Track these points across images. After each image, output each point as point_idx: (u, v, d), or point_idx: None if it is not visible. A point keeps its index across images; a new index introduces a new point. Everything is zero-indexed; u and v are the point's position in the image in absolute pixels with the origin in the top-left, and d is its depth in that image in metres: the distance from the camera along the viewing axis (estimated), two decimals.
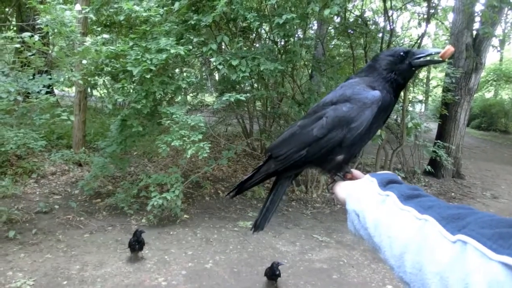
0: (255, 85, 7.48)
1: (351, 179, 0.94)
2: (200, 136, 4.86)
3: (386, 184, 0.72)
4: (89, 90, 7.34)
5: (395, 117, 8.48)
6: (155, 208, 5.02)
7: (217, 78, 8.26)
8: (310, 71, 8.25)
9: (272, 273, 3.91)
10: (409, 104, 8.69)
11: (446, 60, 0.97)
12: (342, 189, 0.85)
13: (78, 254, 4.30)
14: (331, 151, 0.96)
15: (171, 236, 4.95)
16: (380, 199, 0.68)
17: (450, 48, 0.95)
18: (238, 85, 6.42)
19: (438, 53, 0.96)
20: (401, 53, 1.00)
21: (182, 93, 5.89)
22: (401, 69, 0.99)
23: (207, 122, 6.65)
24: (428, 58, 0.99)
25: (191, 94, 7.51)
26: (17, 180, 5.86)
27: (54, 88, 10.05)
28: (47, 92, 5.83)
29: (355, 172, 0.98)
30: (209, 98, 8.77)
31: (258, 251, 4.75)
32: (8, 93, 5.33)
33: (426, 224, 0.55)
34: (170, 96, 5.81)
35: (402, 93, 8.19)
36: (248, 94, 5.63)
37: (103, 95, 10.00)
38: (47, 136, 7.20)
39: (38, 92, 5.64)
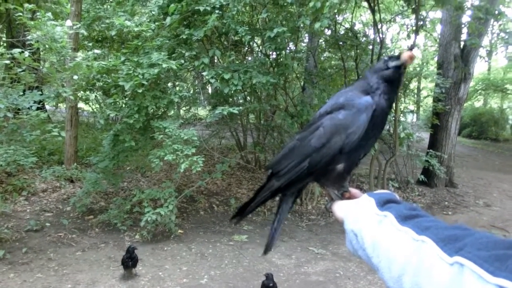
0: (248, 98, 7.50)
1: (349, 198, 0.94)
2: (194, 150, 4.83)
3: (384, 203, 0.71)
4: (80, 104, 7.30)
5: (387, 127, 8.52)
6: (149, 224, 4.95)
7: (210, 91, 8.27)
8: (302, 83, 8.30)
9: (267, 286, 3.86)
10: (401, 115, 8.75)
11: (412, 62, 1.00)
12: (340, 208, 0.85)
13: (70, 272, 4.21)
14: (332, 160, 0.96)
15: (166, 252, 4.88)
16: (377, 220, 0.67)
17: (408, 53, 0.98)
18: (231, 98, 6.43)
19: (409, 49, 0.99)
20: (385, 58, 1.02)
21: (175, 107, 5.88)
22: (386, 74, 1.00)
23: (201, 136, 6.63)
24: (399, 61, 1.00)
25: (184, 108, 7.50)
26: (7, 198, 5.76)
27: (45, 103, 9.99)
28: (38, 108, 5.78)
29: (353, 190, 0.98)
30: (202, 112, 8.76)
31: (254, 265, 4.70)
32: None
33: (424, 245, 0.55)
34: (162, 111, 5.80)
35: (393, 104, 8.27)
36: (241, 107, 5.64)
37: (95, 110, 9.95)
38: (38, 153, 7.11)
39: (29, 108, 5.59)
